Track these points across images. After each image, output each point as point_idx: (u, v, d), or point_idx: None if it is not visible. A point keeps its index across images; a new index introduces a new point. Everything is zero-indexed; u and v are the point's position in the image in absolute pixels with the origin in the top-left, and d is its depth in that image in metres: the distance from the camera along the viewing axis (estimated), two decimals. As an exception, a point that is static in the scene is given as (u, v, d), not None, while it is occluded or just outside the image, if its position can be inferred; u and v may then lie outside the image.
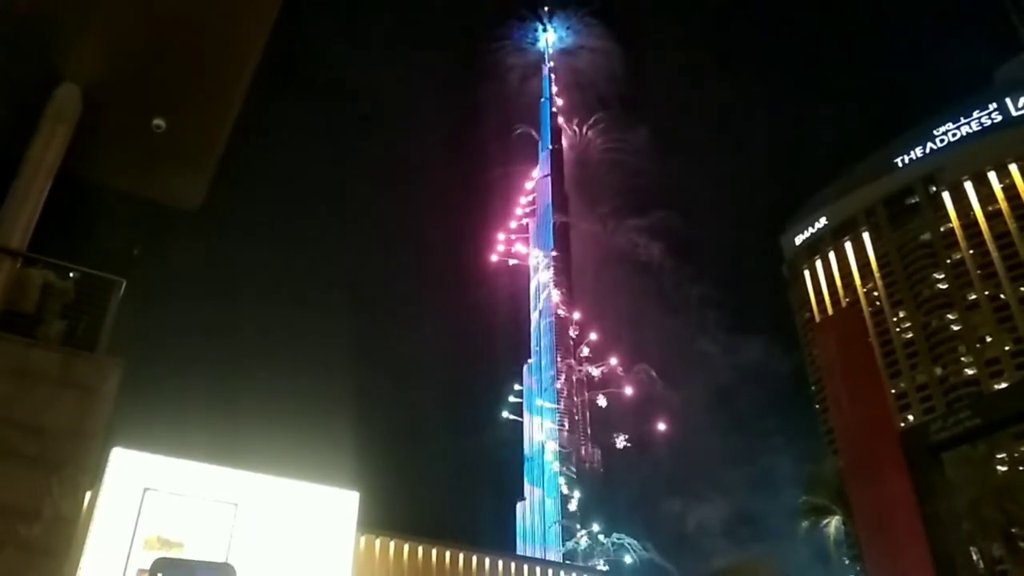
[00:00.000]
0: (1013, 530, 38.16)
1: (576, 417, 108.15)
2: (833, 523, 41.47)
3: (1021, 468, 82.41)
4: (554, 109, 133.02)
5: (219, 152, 9.32)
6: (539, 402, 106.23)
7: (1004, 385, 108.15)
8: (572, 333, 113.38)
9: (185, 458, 30.80)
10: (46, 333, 8.59)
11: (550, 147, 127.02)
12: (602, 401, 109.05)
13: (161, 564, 2.89)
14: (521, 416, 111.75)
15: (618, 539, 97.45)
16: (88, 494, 27.06)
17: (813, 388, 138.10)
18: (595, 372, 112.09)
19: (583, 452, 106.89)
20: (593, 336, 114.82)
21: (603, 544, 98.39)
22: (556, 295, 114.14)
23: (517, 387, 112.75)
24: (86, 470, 8.15)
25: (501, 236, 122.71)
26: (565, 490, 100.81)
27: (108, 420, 8.39)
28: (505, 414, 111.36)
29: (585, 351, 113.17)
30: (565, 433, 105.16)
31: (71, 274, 8.96)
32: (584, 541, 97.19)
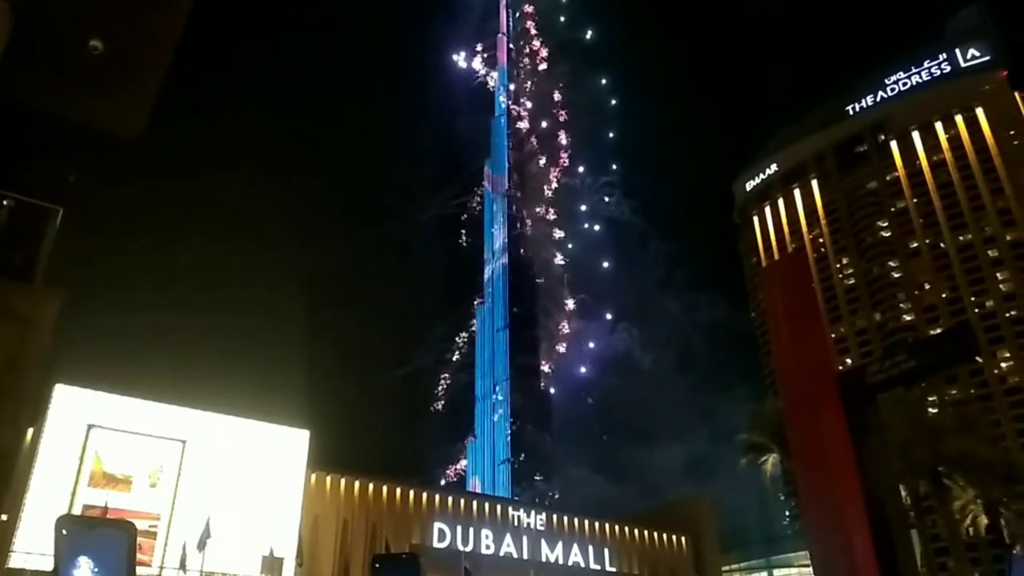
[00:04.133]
0: (940, 468, 40.02)
1: (532, 361, 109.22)
2: (770, 460, 42.89)
3: (950, 411, 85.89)
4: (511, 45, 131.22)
5: (159, 77, 8.93)
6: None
7: (940, 331, 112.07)
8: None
9: (130, 395, 30.52)
10: (-21, 263, 8.27)
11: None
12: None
13: (63, 521, 2.83)
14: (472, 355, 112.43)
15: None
16: (31, 430, 26.63)
17: (758, 330, 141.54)
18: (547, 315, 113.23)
19: (540, 391, 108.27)
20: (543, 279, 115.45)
21: (550, 482, 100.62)
22: (509, 234, 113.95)
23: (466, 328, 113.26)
24: (25, 403, 7.96)
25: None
26: (515, 429, 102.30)
27: (47, 352, 8.17)
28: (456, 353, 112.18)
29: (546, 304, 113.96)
30: (517, 371, 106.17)
31: (4, 201, 8.60)
32: (538, 479, 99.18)
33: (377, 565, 4.07)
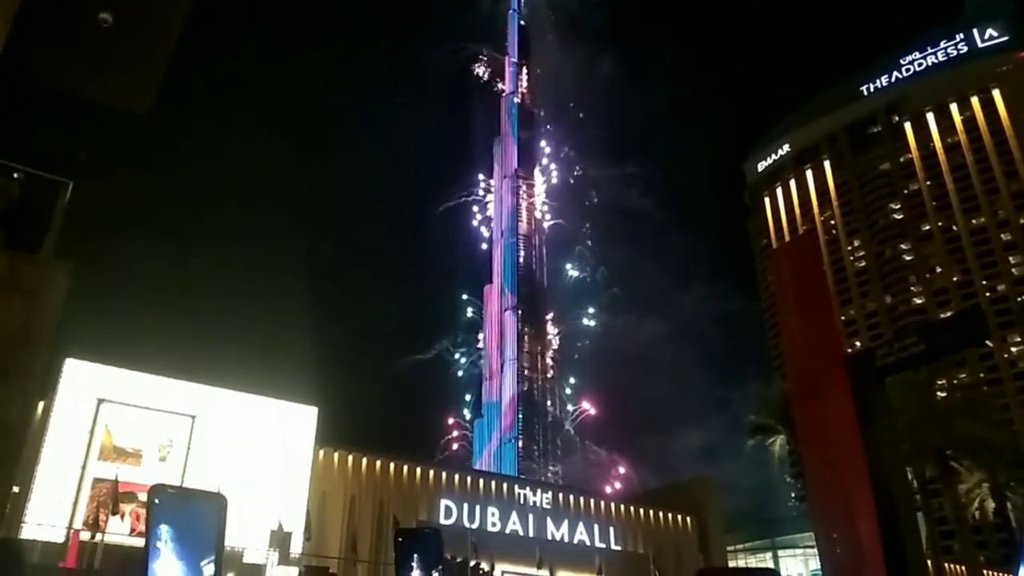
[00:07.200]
0: (948, 452, 40.02)
1: (539, 345, 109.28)
2: (777, 442, 42.97)
3: (958, 394, 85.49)
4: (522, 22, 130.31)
5: (168, 52, 8.88)
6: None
7: (951, 314, 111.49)
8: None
9: (141, 370, 30.71)
10: (-11, 236, 8.28)
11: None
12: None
13: (156, 490, 2.81)
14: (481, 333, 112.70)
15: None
16: (41, 404, 26.88)
17: (766, 313, 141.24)
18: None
19: (547, 370, 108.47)
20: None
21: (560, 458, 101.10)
22: (522, 215, 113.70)
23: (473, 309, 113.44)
24: (34, 377, 7.99)
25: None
26: (522, 408, 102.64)
27: (56, 325, 8.19)
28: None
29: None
30: (526, 352, 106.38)
31: (15, 175, 8.60)
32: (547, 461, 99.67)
33: (400, 539, 4.05)
